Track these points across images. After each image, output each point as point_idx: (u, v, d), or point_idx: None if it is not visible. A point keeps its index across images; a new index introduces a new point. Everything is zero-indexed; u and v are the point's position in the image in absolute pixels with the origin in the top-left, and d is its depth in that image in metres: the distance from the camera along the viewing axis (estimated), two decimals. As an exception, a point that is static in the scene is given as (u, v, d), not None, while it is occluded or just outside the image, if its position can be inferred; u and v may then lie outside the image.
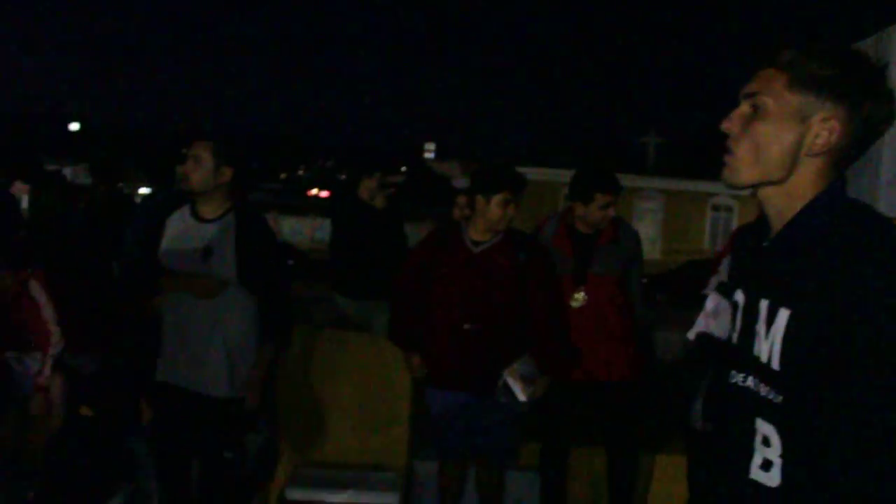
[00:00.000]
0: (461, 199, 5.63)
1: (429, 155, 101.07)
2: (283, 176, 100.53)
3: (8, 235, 5.16)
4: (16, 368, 4.43)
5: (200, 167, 3.47)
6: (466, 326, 3.77)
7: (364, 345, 4.76)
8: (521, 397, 3.77)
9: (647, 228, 33.89)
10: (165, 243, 3.58)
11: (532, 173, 32.32)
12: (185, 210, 3.61)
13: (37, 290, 4.47)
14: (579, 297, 4.07)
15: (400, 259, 5.07)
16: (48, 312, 4.47)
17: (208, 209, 3.55)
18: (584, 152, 36.76)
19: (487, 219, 3.77)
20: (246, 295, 3.52)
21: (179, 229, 3.57)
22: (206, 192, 3.51)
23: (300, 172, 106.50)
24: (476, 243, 3.84)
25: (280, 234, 28.14)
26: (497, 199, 3.74)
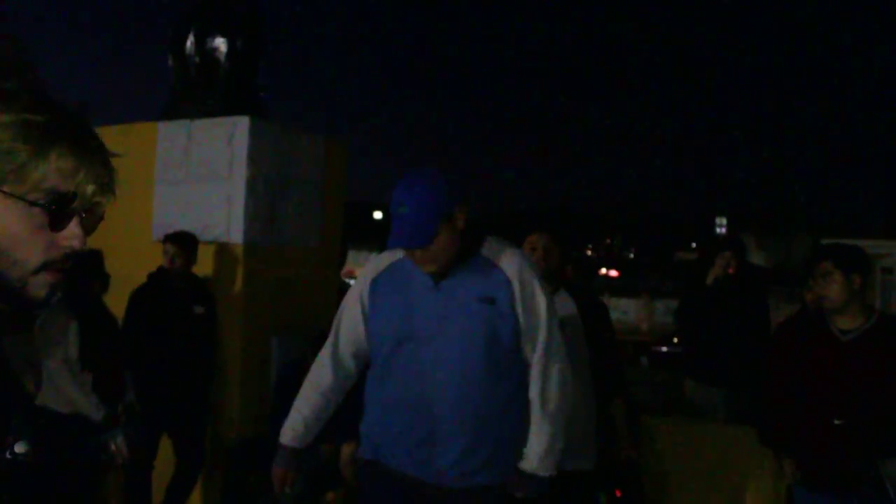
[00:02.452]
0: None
1: (720, 230, 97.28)
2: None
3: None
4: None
5: None
6: (837, 422, 3.50)
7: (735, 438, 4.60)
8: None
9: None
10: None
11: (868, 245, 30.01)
12: None
13: None
14: None
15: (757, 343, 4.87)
16: None
17: None
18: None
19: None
20: None
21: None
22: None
23: (588, 252, 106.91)
24: (844, 332, 3.58)
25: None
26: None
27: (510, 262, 2.66)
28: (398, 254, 2.80)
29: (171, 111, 5.98)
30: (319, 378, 2.93)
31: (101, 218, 1.25)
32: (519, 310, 2.63)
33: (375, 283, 2.83)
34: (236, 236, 5.37)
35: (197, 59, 6.02)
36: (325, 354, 2.94)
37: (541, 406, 2.72)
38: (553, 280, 3.65)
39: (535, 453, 2.73)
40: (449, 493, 2.68)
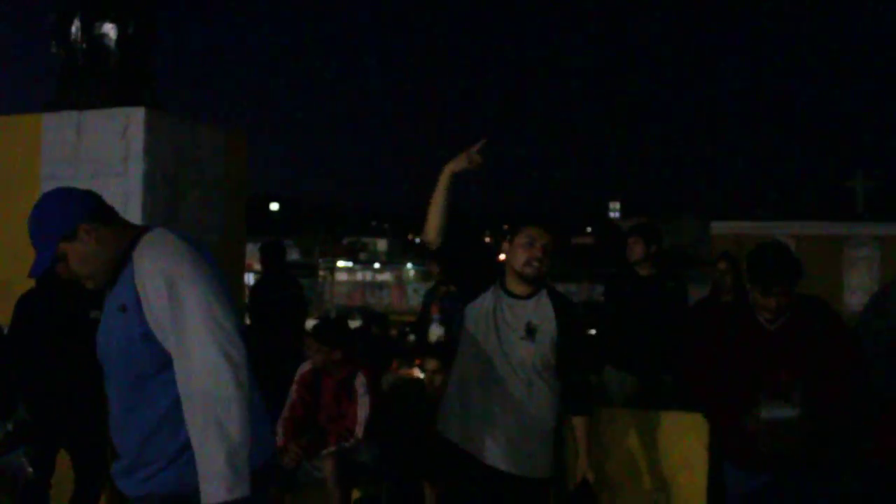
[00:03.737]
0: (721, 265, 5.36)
1: (614, 214, 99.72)
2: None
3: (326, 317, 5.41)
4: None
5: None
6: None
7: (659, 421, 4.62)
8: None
9: (861, 277, 31.62)
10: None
11: (735, 227, 31.21)
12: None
13: (362, 385, 4.63)
14: None
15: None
16: (363, 412, 4.59)
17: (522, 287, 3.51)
18: (790, 201, 35.04)
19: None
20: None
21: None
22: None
23: (486, 239, 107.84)
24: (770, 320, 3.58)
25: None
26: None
27: (142, 257, 2.34)
28: None
29: (56, 102, 5.60)
30: None
31: None
32: (146, 311, 2.30)
33: None
34: (134, 234, 5.06)
35: (84, 46, 5.66)
36: None
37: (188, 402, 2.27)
38: (538, 282, 3.51)
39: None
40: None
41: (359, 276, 60.63)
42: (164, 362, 2.31)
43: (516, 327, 3.43)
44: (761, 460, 3.57)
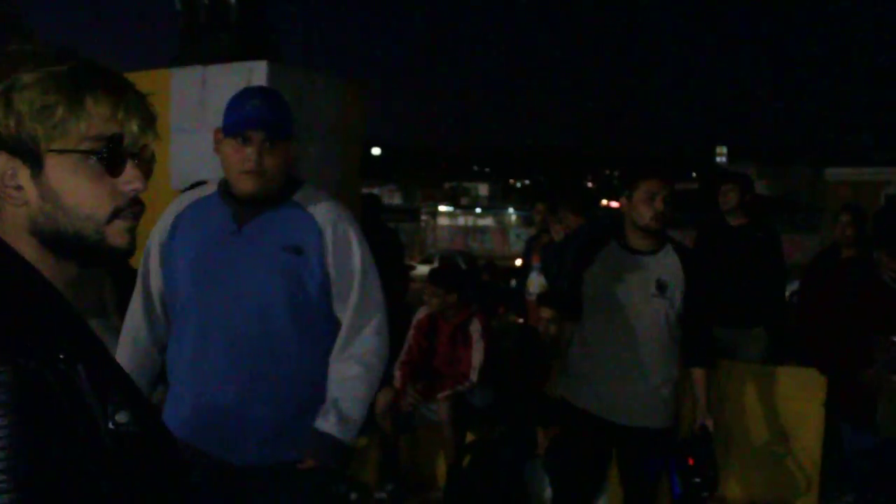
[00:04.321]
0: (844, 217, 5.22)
1: (721, 159, 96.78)
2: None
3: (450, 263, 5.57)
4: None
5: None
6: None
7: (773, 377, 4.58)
8: None
9: None
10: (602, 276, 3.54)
11: (852, 174, 29.87)
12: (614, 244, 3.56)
13: (477, 330, 4.77)
14: None
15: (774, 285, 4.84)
16: (478, 357, 4.74)
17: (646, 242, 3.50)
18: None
19: None
20: None
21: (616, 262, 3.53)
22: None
23: (588, 184, 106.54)
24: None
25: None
26: None
27: (325, 210, 2.40)
28: (205, 191, 2.53)
29: (182, 57, 5.82)
30: (133, 330, 2.58)
31: (152, 159, 1.24)
32: (330, 261, 2.36)
33: (177, 222, 2.51)
34: (256, 184, 5.27)
35: (206, 1, 5.85)
36: (135, 302, 2.60)
37: (344, 352, 2.40)
38: (662, 235, 3.50)
39: (337, 410, 2.36)
40: (256, 472, 2.36)
41: (460, 220, 60.89)
42: (325, 317, 2.40)
43: (646, 285, 3.43)
44: (873, 418, 3.54)
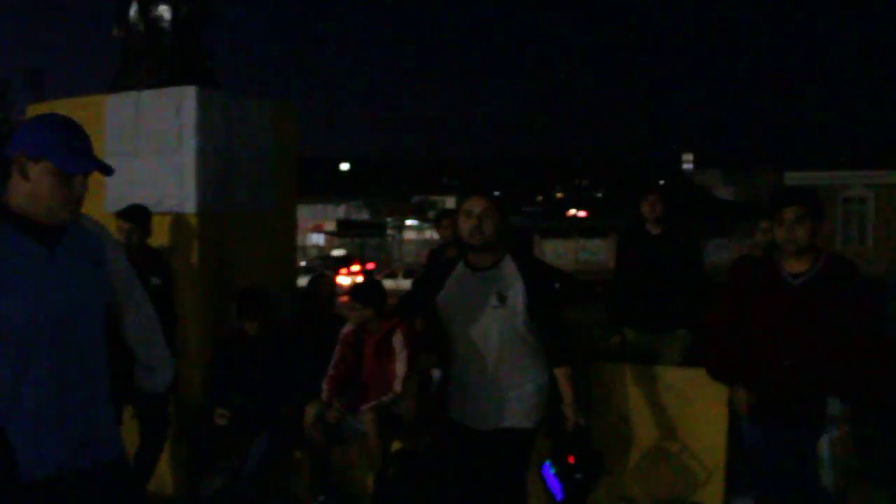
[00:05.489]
0: (763, 224, 5.46)
1: (687, 166, 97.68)
2: (539, 198, 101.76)
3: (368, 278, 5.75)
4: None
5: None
6: (786, 363, 3.62)
7: (676, 379, 4.80)
8: None
9: None
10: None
11: (811, 178, 30.40)
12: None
13: (399, 341, 4.94)
14: None
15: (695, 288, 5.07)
16: (401, 367, 4.91)
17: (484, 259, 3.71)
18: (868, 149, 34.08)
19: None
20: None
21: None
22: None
23: (558, 195, 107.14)
24: (795, 276, 3.65)
25: (542, 257, 28.34)
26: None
27: (91, 222, 2.56)
28: None
29: (118, 83, 5.96)
30: None
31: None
32: (112, 269, 2.58)
33: None
34: (190, 206, 5.42)
35: (141, 29, 5.99)
36: None
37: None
38: (494, 247, 3.70)
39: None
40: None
41: (427, 234, 60.96)
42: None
43: (488, 298, 3.64)
44: (776, 415, 3.69)
